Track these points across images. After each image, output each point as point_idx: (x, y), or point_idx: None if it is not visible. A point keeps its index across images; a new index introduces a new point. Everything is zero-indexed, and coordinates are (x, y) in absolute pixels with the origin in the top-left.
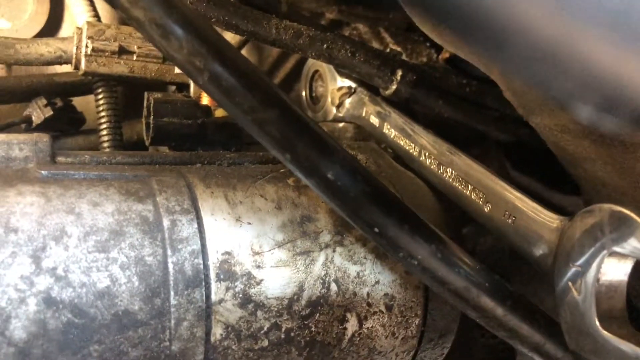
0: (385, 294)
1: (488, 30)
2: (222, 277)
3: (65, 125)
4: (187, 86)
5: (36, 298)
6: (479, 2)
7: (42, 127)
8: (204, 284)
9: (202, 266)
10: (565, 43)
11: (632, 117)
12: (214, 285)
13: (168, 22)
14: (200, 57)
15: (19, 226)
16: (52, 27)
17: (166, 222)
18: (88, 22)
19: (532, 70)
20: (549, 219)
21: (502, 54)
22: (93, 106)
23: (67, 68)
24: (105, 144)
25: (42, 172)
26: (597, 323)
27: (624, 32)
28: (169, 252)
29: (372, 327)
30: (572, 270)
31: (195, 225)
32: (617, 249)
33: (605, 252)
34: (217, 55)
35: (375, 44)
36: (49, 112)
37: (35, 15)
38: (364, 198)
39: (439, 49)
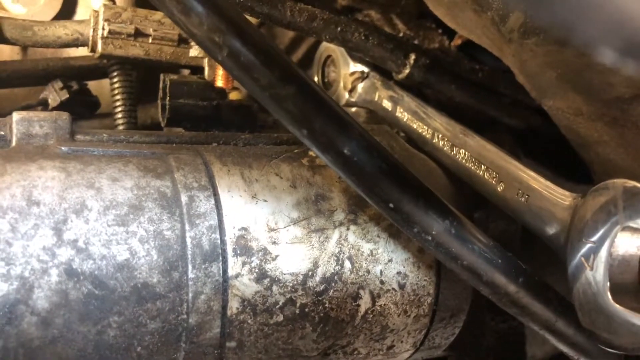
0: (398, 272)
1: None
2: (238, 252)
3: (81, 108)
4: (202, 69)
5: (58, 269)
6: None
7: (58, 110)
8: (221, 258)
9: (219, 241)
10: None
11: None
12: (230, 260)
13: None
14: (219, 33)
15: (41, 199)
16: (66, 12)
17: (184, 198)
18: (105, 5)
19: (559, 9)
20: (561, 197)
21: None
22: (107, 90)
23: (82, 51)
24: (120, 127)
25: (62, 148)
26: (610, 297)
27: None
28: (187, 227)
29: (385, 304)
30: (586, 246)
31: (213, 201)
32: (631, 223)
33: (618, 227)
34: (237, 32)
35: (388, 31)
36: (64, 95)
37: (50, 0)
38: (380, 174)
39: (451, 35)
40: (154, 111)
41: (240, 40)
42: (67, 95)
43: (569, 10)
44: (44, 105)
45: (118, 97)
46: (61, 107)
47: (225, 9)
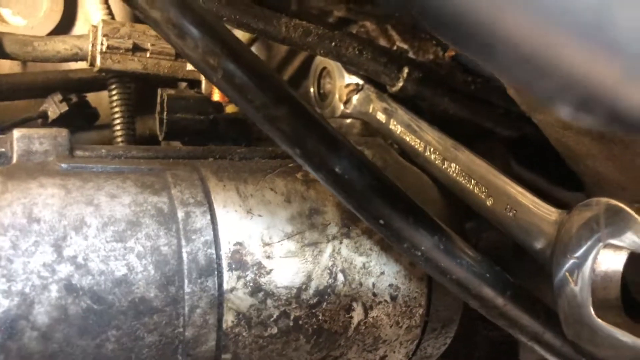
0: (390, 285)
1: (478, 39)
2: (233, 266)
3: (80, 120)
4: (199, 83)
5: (58, 285)
6: (468, 18)
7: (58, 122)
8: (216, 273)
9: (214, 256)
10: (542, 51)
11: (605, 116)
12: (226, 274)
13: (184, 23)
14: (214, 56)
15: (41, 216)
16: (65, 24)
17: (180, 214)
18: (103, 20)
19: (517, 72)
20: (547, 212)
21: (491, 58)
22: (105, 102)
23: (81, 64)
24: (119, 139)
25: (62, 165)
26: (593, 312)
27: (595, 42)
28: (183, 242)
29: (377, 316)
30: (570, 261)
31: (209, 217)
32: (612, 241)
33: (601, 244)
34: (231, 54)
35: (383, 42)
36: (64, 107)
37: (50, 12)
38: (370, 191)
39: (445, 46)
40: (152, 123)
41: (235, 62)
42: (67, 108)
43: (527, 73)
44: (43, 117)
45: (117, 109)
46: (61, 119)
47: (220, 32)
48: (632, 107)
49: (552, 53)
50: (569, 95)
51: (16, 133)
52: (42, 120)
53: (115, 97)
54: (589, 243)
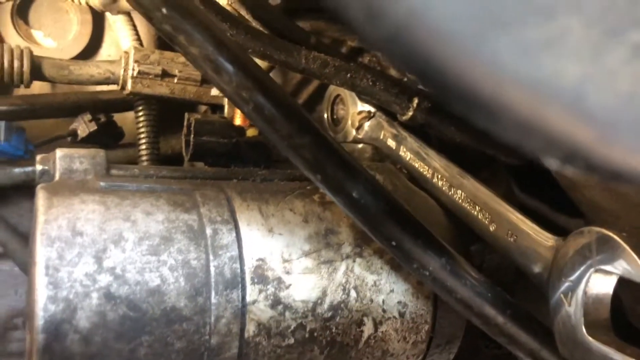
0: (399, 302)
1: (481, 108)
2: (256, 280)
3: (107, 139)
4: (222, 107)
5: (98, 293)
6: (475, 92)
7: (86, 140)
8: (240, 286)
9: (239, 270)
10: (534, 117)
11: (585, 167)
12: (249, 288)
13: (219, 59)
14: (246, 90)
15: (83, 230)
16: (93, 47)
17: (209, 231)
18: (135, 48)
19: (512, 134)
20: (545, 239)
21: (492, 122)
22: (130, 122)
23: (108, 87)
24: (144, 157)
25: (101, 183)
26: (584, 331)
27: (578, 110)
28: (211, 257)
29: (386, 331)
30: (565, 284)
31: (234, 234)
32: (603, 267)
33: (592, 269)
34: (261, 89)
35: (393, 72)
36: (93, 126)
37: (79, 35)
38: (384, 215)
39: None
40: (174, 143)
41: (265, 96)
42: (96, 127)
43: (518, 133)
44: (73, 135)
45: (143, 129)
46: (89, 137)
47: (252, 68)
48: (606, 162)
49: (541, 120)
50: (555, 151)
51: (59, 152)
52: (72, 138)
53: (141, 118)
54: (582, 268)
